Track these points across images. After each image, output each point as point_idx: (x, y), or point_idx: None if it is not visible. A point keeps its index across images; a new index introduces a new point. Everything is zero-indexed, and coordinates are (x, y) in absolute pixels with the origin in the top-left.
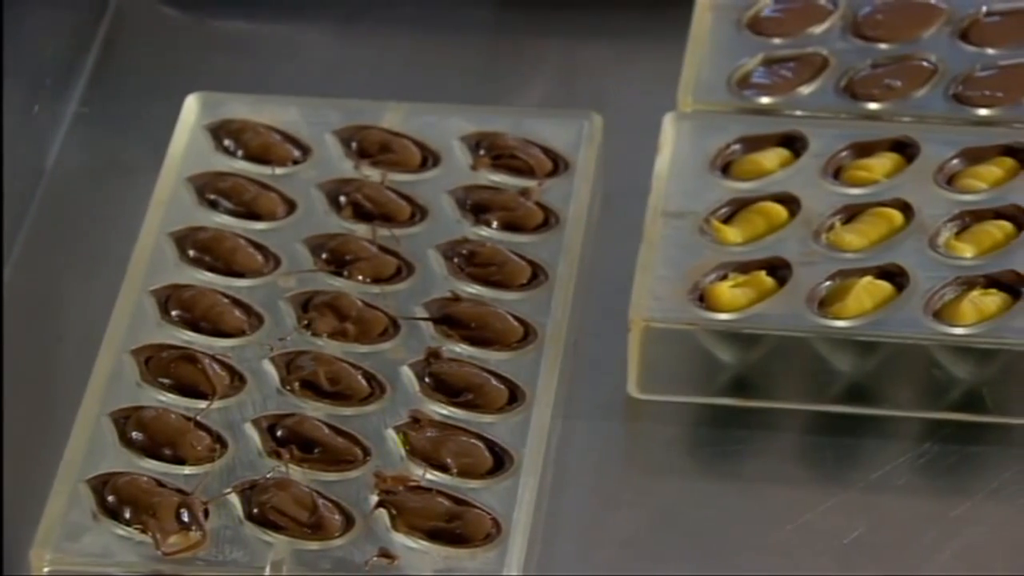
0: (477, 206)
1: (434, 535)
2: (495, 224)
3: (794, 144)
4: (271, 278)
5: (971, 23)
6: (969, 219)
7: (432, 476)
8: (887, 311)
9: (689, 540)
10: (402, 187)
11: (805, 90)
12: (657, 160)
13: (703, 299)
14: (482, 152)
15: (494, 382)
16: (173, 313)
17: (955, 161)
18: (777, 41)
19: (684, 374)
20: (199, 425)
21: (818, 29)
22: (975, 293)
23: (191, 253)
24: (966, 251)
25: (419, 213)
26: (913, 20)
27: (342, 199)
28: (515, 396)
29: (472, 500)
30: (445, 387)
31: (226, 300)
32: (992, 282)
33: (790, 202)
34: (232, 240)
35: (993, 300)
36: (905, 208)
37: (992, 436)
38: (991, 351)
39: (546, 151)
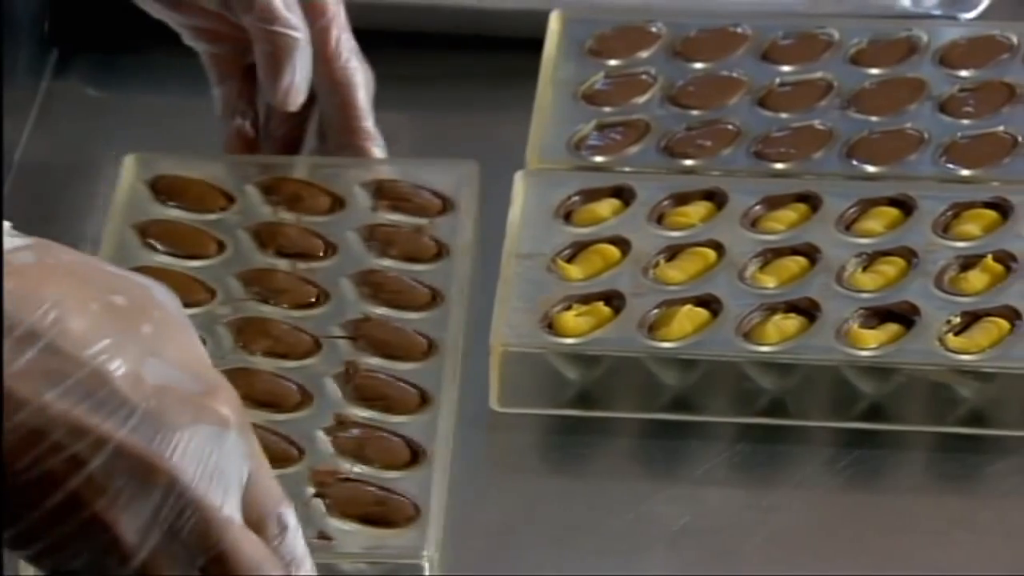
0: (380, 241)
1: (363, 519)
2: (395, 256)
3: (624, 195)
4: (209, 307)
5: (767, 92)
6: (770, 255)
7: (358, 469)
8: (705, 334)
9: (544, 528)
10: (315, 227)
11: (632, 150)
12: (510, 211)
13: (551, 326)
14: (380, 196)
15: (405, 388)
16: None
17: (757, 207)
18: (608, 110)
19: (537, 390)
20: None
21: (641, 99)
22: (777, 317)
23: None
24: (769, 282)
25: (330, 249)
26: (719, 91)
27: (265, 239)
28: (423, 399)
29: (394, 488)
30: (364, 394)
31: None
32: (791, 307)
33: (622, 244)
34: (173, 276)
35: (792, 323)
36: (718, 247)
37: (794, 437)
38: (792, 365)
39: (434, 193)
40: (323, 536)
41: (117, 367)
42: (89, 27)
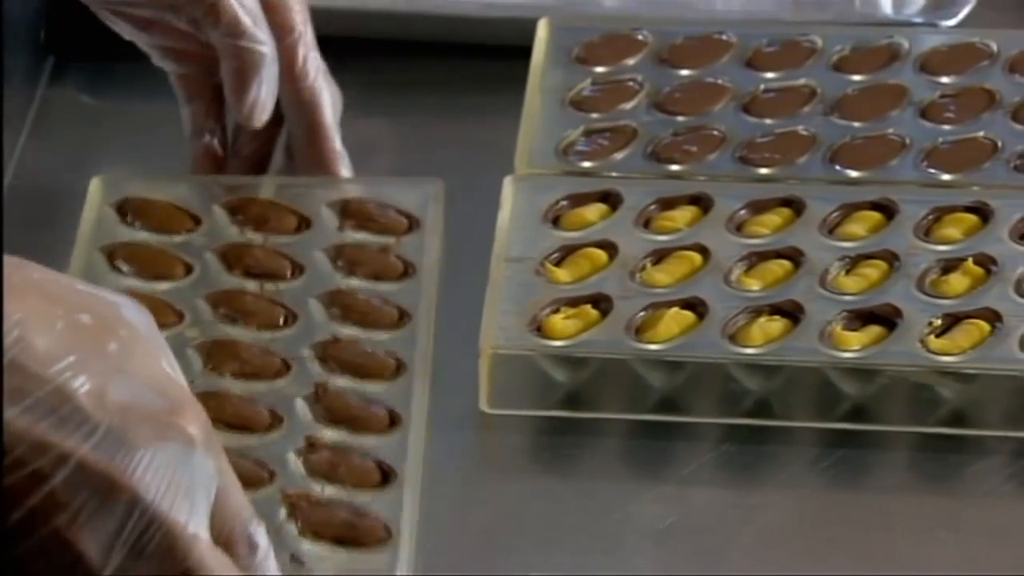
0: (347, 261)
1: (335, 541)
2: (363, 276)
3: (611, 200)
4: (178, 330)
5: (752, 99)
6: (755, 259)
7: (330, 491)
8: (691, 336)
9: (532, 528)
10: (282, 248)
11: (619, 156)
12: (499, 215)
13: (540, 329)
14: (346, 216)
15: (374, 409)
16: None
17: (742, 211)
18: (595, 116)
19: (526, 392)
20: None
21: (628, 105)
22: (762, 319)
23: None
24: (754, 285)
25: (298, 270)
26: (705, 97)
27: (232, 261)
28: (393, 420)
29: (365, 510)
30: (334, 415)
31: None
32: (775, 310)
33: (610, 248)
34: (141, 299)
35: (777, 325)
36: (703, 251)
37: (778, 437)
38: (776, 367)
39: (400, 212)
40: (295, 559)
41: (80, 384)
42: (85, 35)
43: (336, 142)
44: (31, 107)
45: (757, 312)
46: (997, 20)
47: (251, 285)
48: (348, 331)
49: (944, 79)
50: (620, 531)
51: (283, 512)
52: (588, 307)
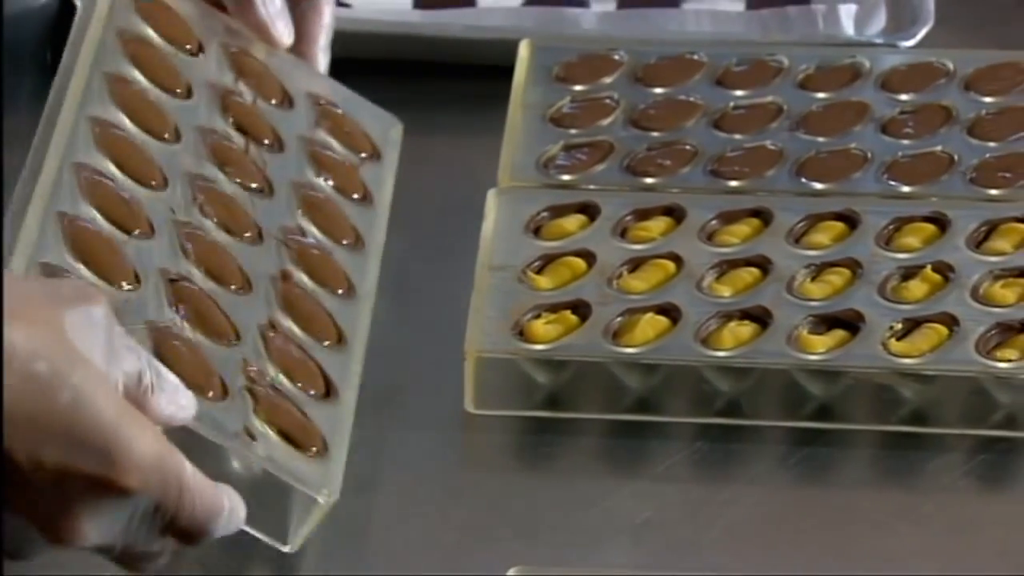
0: (317, 161)
1: (281, 433)
2: (331, 184)
3: (589, 211)
4: (172, 147)
5: (722, 115)
6: (726, 266)
7: (283, 380)
8: (666, 340)
9: (515, 523)
10: (267, 115)
11: (597, 169)
12: (483, 226)
13: (522, 334)
14: (323, 116)
15: (326, 319)
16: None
17: (714, 222)
18: (574, 131)
19: (509, 393)
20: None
21: (605, 122)
22: (732, 324)
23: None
24: (724, 291)
25: (278, 145)
26: (677, 114)
27: (227, 104)
28: (340, 337)
29: (309, 416)
30: (292, 309)
31: (142, 151)
32: (745, 315)
33: (588, 256)
34: (150, 102)
35: (746, 329)
36: (677, 259)
37: (749, 436)
38: (746, 369)
39: (366, 137)
40: (248, 432)
41: (20, 448)
42: None
43: (323, 40)
44: (37, 128)
45: (728, 317)
46: (953, 41)
47: (237, 139)
48: (314, 231)
49: (903, 96)
50: (598, 525)
51: (243, 380)
52: (568, 313)
